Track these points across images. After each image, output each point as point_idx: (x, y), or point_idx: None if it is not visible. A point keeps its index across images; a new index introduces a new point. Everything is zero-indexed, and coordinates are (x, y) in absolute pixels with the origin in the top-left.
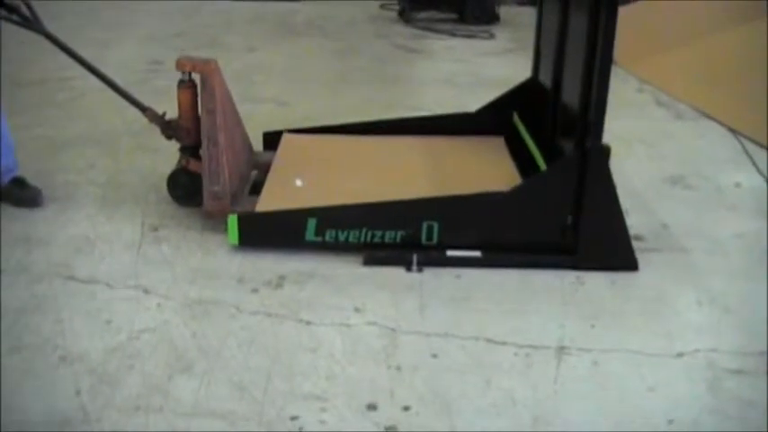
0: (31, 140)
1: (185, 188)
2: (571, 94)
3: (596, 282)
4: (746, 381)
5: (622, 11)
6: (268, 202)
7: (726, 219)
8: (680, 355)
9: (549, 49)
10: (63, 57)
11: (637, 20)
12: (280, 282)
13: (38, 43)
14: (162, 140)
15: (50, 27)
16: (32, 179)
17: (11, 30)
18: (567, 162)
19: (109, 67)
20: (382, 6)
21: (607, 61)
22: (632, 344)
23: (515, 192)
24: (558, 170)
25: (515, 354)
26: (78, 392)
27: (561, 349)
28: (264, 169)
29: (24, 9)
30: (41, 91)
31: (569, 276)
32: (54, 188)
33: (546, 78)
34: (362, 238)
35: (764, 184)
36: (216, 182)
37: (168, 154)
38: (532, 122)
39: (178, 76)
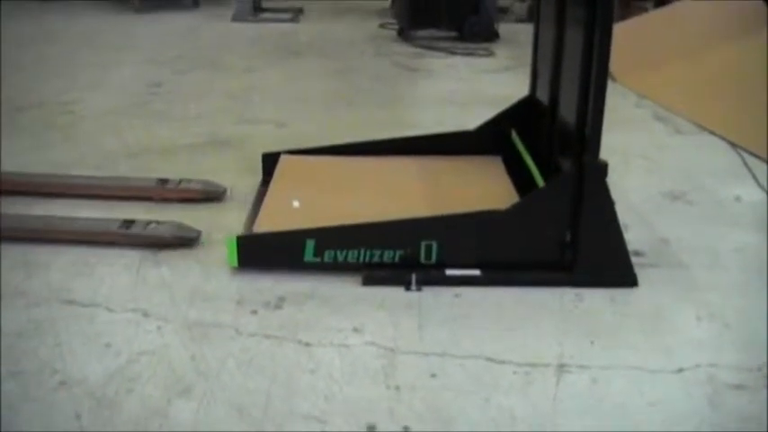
0: (31, 164)
1: None
2: (568, 111)
3: (595, 298)
4: (747, 395)
5: (619, 27)
6: (266, 223)
7: (726, 233)
8: (680, 370)
9: (546, 66)
10: (62, 81)
11: (635, 35)
12: (279, 303)
13: (37, 68)
14: (161, 164)
15: (49, 51)
16: (32, 203)
17: (10, 54)
18: (563, 179)
19: (108, 89)
20: (381, 25)
21: (603, 77)
22: (632, 360)
23: (513, 210)
24: (554, 187)
25: (514, 372)
26: (78, 416)
27: (561, 367)
28: None
29: None
30: (41, 115)
31: (568, 293)
32: (54, 212)
33: (543, 96)
34: (361, 258)
35: (765, 198)
36: None
37: (168, 176)
38: (530, 140)
39: (180, 98)
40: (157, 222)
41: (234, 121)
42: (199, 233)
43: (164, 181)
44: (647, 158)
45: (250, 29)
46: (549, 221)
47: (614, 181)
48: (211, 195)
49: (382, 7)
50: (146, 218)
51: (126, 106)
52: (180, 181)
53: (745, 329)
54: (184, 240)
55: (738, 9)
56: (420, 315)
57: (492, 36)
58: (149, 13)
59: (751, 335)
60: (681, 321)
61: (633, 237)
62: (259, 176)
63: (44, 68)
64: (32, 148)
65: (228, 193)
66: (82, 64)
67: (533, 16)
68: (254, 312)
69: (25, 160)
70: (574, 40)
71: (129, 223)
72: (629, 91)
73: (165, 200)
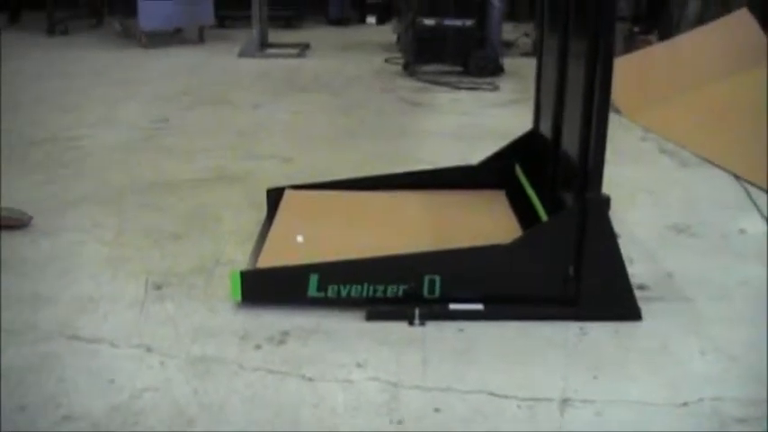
0: (41, 199)
1: None
2: (570, 145)
3: (599, 332)
4: (751, 429)
5: (624, 60)
6: (270, 257)
7: (731, 266)
8: (684, 404)
9: (549, 100)
10: (71, 116)
11: (639, 69)
12: (283, 338)
13: (46, 103)
14: (167, 199)
15: (60, 86)
16: (40, 237)
17: (22, 90)
18: (566, 213)
19: (116, 125)
20: (387, 60)
21: (604, 111)
22: (636, 394)
23: (516, 244)
24: (557, 222)
25: (518, 406)
26: None
27: (564, 401)
28: None
29: None
30: (51, 150)
31: (572, 327)
32: (60, 247)
33: (546, 130)
34: (365, 293)
35: None
36: None
37: (174, 212)
38: (534, 174)
39: (186, 133)
40: None
41: (240, 156)
42: None
43: None
44: (651, 192)
45: (257, 64)
46: (553, 256)
47: (619, 215)
48: (17, 223)
49: (388, 42)
50: None
51: (134, 141)
52: None
53: (750, 363)
54: None
55: (741, 41)
56: (424, 350)
57: (497, 70)
58: (156, 48)
59: (756, 368)
60: (685, 355)
61: (637, 270)
62: (263, 211)
63: (54, 103)
64: (41, 183)
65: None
66: (90, 99)
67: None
68: (258, 347)
69: (35, 195)
70: (576, 74)
71: None
72: (634, 125)
73: None
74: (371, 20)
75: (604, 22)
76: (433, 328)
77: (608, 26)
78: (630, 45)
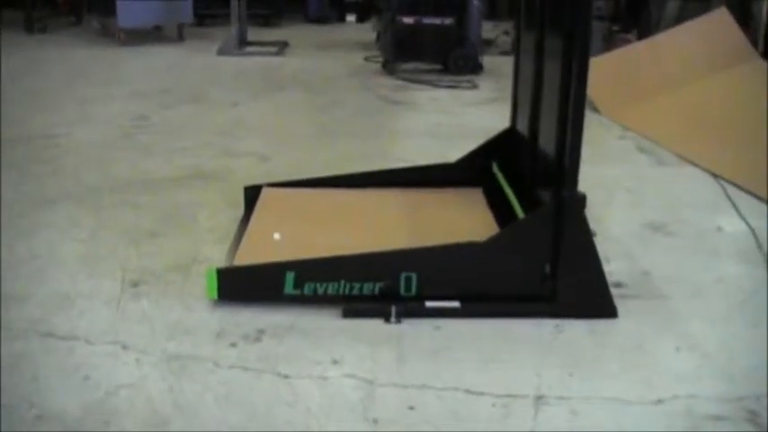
0: (18, 198)
1: None
2: (547, 143)
3: (575, 330)
4: (725, 426)
5: (603, 59)
6: (246, 255)
7: (707, 264)
8: (659, 401)
9: (526, 98)
10: (49, 115)
11: (618, 67)
12: (258, 336)
13: (25, 101)
14: (145, 197)
15: (38, 84)
16: (16, 236)
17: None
18: (542, 211)
19: (95, 122)
20: (366, 59)
21: (580, 110)
22: (611, 391)
23: (491, 242)
24: (533, 220)
25: (493, 404)
26: None
27: (539, 398)
28: None
29: None
30: (28, 148)
31: (548, 325)
32: (36, 245)
33: (523, 128)
34: (341, 291)
35: (746, 229)
36: None
37: (151, 210)
38: (511, 172)
39: (164, 131)
40: None
41: (218, 154)
42: None
43: None
44: (629, 190)
45: (235, 62)
46: (529, 253)
47: (596, 213)
48: None
49: (368, 40)
50: None
51: (112, 140)
52: None
53: (724, 360)
54: None
55: (720, 40)
56: (399, 347)
57: (476, 68)
58: (135, 46)
59: (730, 366)
60: (660, 352)
61: (614, 268)
62: (241, 209)
63: (32, 102)
64: (19, 183)
65: None
66: (69, 97)
67: None
68: (234, 345)
69: (11, 193)
70: (552, 72)
71: None
72: (613, 124)
73: None
74: (351, 18)
75: (580, 19)
76: (409, 325)
77: (584, 23)
78: (610, 44)
